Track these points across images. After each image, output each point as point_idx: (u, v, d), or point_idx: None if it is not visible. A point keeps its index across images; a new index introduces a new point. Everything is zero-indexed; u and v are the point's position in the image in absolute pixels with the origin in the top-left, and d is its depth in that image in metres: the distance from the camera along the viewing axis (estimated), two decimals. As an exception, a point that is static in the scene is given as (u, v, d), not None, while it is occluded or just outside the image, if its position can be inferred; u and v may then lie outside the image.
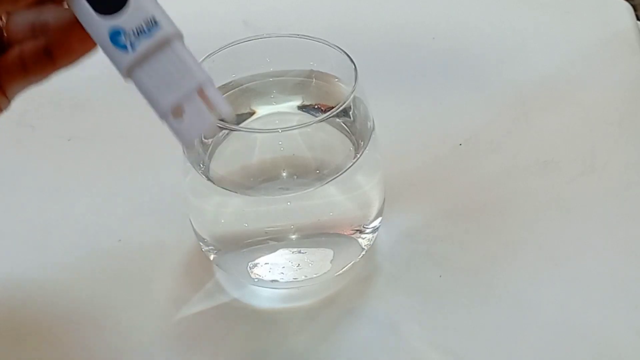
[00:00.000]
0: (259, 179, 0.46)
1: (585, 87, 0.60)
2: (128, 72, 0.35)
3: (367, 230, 0.47)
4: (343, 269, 0.47)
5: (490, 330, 0.46)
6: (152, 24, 0.35)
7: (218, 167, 0.46)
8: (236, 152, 0.46)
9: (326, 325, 0.46)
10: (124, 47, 0.35)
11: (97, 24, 0.35)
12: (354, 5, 0.70)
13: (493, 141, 0.57)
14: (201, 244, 0.48)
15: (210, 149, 0.46)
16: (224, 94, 0.47)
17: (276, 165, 0.46)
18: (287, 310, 0.47)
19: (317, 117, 0.43)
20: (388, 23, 0.67)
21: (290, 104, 0.49)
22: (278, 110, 0.49)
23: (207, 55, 0.45)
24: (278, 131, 0.42)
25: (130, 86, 0.64)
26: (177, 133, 0.35)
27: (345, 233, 0.47)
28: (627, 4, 0.67)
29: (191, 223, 0.47)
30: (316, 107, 0.48)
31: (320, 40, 0.45)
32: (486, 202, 0.53)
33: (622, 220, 0.51)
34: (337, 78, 0.47)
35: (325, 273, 0.47)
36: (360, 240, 0.47)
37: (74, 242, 0.51)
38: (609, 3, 0.68)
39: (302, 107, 0.48)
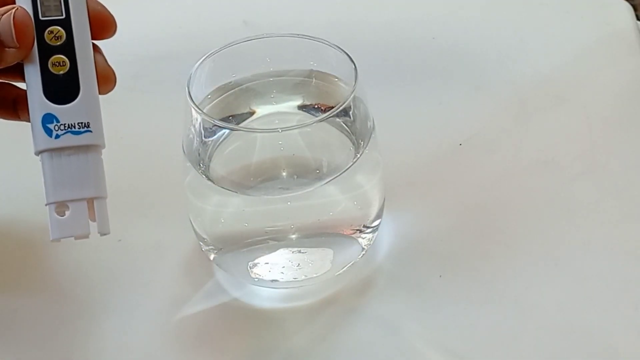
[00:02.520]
0: (259, 179, 0.46)
1: (585, 87, 0.60)
2: (39, 153, 0.38)
3: (367, 230, 0.47)
4: (343, 269, 0.47)
5: (490, 330, 0.46)
6: (85, 126, 0.38)
7: (218, 166, 0.46)
8: (236, 152, 0.46)
9: (326, 325, 0.46)
10: (49, 133, 0.38)
11: (39, 101, 0.38)
12: (354, 5, 0.70)
13: (493, 141, 0.57)
14: (201, 243, 0.48)
15: (210, 148, 0.46)
16: (224, 94, 0.47)
17: (276, 165, 0.46)
18: (287, 310, 0.47)
19: (317, 117, 0.43)
20: (388, 23, 0.67)
21: (290, 104, 0.49)
22: (278, 110, 0.49)
23: (207, 55, 0.45)
24: (278, 131, 0.42)
25: (132, 87, 0.65)
26: (51, 225, 0.38)
27: (345, 233, 0.47)
28: (627, 4, 0.67)
29: (191, 223, 0.47)
30: (316, 107, 0.48)
31: (320, 40, 0.45)
32: (486, 202, 0.52)
33: (622, 220, 0.51)
34: (337, 78, 0.47)
35: (325, 273, 0.47)
36: (360, 240, 0.47)
37: (74, 242, 0.51)
38: (609, 3, 0.68)
39: (302, 107, 0.48)
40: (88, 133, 0.38)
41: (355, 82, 0.43)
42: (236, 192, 0.45)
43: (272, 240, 0.45)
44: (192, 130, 0.44)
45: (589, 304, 0.47)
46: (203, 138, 0.45)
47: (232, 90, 0.48)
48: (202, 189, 0.46)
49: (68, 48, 0.38)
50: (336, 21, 0.67)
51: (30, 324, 0.47)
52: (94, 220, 0.38)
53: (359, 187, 0.46)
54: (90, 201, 0.38)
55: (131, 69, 0.64)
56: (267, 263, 0.46)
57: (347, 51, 0.45)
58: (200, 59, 0.45)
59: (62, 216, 0.38)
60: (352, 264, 0.48)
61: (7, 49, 0.38)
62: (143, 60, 0.65)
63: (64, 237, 0.38)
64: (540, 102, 0.59)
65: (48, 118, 0.38)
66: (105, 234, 0.39)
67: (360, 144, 0.45)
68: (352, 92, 0.43)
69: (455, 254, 0.50)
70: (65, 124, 0.38)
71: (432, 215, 0.52)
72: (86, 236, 0.38)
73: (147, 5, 0.70)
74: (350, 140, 0.46)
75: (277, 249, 0.46)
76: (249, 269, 0.46)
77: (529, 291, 0.47)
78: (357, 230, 0.47)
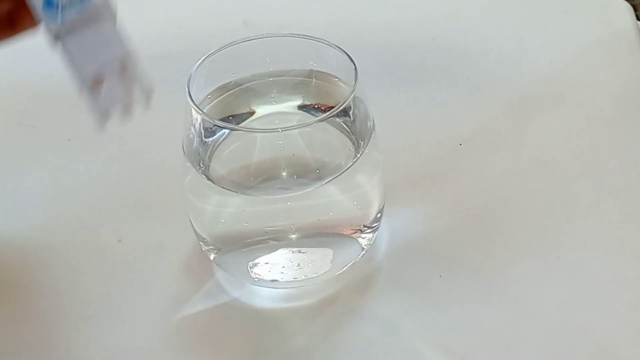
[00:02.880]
0: (259, 179, 0.46)
1: (585, 87, 0.60)
2: (55, 39, 0.36)
3: (367, 230, 0.47)
4: (343, 269, 0.47)
5: (490, 330, 0.46)
6: None
7: (218, 166, 0.46)
8: (236, 151, 0.46)
9: (326, 325, 0.46)
10: (55, 13, 0.36)
11: None
12: (354, 5, 0.70)
13: (493, 141, 0.57)
14: (201, 243, 0.48)
15: (210, 148, 0.46)
16: (224, 94, 0.47)
17: (276, 165, 0.46)
18: (287, 310, 0.47)
19: (317, 117, 0.43)
20: (388, 23, 0.67)
21: (290, 104, 0.49)
22: (278, 110, 0.49)
23: (207, 55, 0.45)
24: (278, 131, 0.42)
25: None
26: (92, 104, 0.37)
27: (345, 233, 0.47)
28: (627, 4, 0.67)
29: (191, 223, 0.47)
30: (316, 107, 0.48)
31: (320, 40, 0.45)
32: (486, 202, 0.52)
33: (622, 220, 0.51)
34: (337, 78, 0.47)
35: (325, 273, 0.47)
36: (360, 240, 0.47)
37: (74, 242, 0.51)
38: (609, 3, 0.68)
39: (302, 107, 0.48)
40: (88, 3, 0.37)
41: (355, 82, 0.43)
42: (236, 192, 0.45)
43: (272, 240, 0.45)
44: (192, 130, 0.44)
45: (589, 304, 0.47)
46: (203, 138, 0.45)
47: (232, 90, 0.48)
48: (202, 189, 0.46)
49: None
50: (336, 21, 0.67)
51: (30, 324, 0.47)
52: (130, 84, 0.37)
53: (359, 187, 0.46)
54: (121, 67, 0.37)
55: (131, 69, 0.64)
56: (267, 263, 0.46)
57: (347, 51, 0.45)
58: (200, 59, 0.45)
59: (99, 93, 0.37)
60: (352, 264, 0.48)
61: None
62: (143, 60, 0.65)
63: (107, 111, 0.37)
64: (540, 102, 0.59)
65: (48, 3, 0.36)
66: (149, 93, 0.37)
67: (360, 144, 0.45)
68: (352, 92, 0.43)
69: (455, 254, 0.50)
70: (67, 1, 0.36)
71: (432, 215, 0.52)
72: (130, 104, 0.37)
73: (147, 5, 0.70)
74: (350, 140, 0.46)
75: (277, 249, 0.46)
76: (249, 269, 0.46)
77: (529, 291, 0.47)
78: (357, 230, 0.47)
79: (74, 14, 0.36)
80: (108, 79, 0.37)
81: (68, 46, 0.37)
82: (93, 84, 0.37)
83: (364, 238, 0.47)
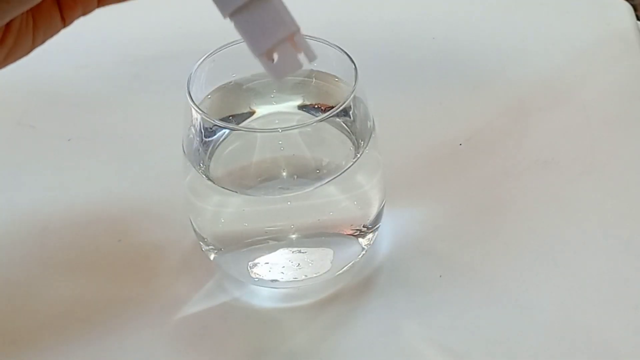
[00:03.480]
0: (259, 179, 0.46)
1: (585, 87, 0.60)
2: (230, 16, 0.39)
3: (367, 230, 0.47)
4: (343, 269, 0.47)
5: (490, 330, 0.46)
6: None
7: (218, 166, 0.46)
8: (236, 151, 0.46)
9: (326, 325, 0.46)
10: None
11: None
12: (354, 5, 0.70)
13: (493, 141, 0.57)
14: (201, 243, 0.48)
15: (210, 148, 0.46)
16: (224, 93, 0.47)
17: (276, 164, 0.46)
18: (287, 310, 0.47)
19: (317, 116, 0.43)
20: (388, 23, 0.67)
21: (290, 104, 0.49)
22: (278, 110, 0.49)
23: (207, 55, 0.45)
24: (278, 131, 0.42)
25: (132, 87, 0.65)
26: (269, 71, 0.40)
27: (345, 233, 0.47)
28: (627, 4, 0.67)
29: (191, 223, 0.47)
30: (316, 106, 0.48)
31: (320, 40, 0.45)
32: (486, 202, 0.53)
33: (622, 220, 0.51)
34: (337, 78, 0.47)
35: (325, 273, 0.47)
36: (360, 240, 0.47)
37: (74, 242, 0.51)
38: (609, 3, 0.68)
39: (302, 107, 0.48)
40: None
41: (355, 82, 0.43)
42: (236, 192, 0.45)
43: (272, 240, 0.45)
44: (192, 130, 0.44)
45: (589, 304, 0.47)
46: (203, 138, 0.45)
47: (232, 90, 0.48)
48: (202, 188, 0.46)
49: None
50: (336, 21, 0.67)
51: (30, 324, 0.47)
52: (300, 52, 0.39)
53: (359, 187, 0.46)
54: (290, 38, 0.39)
55: (131, 69, 0.64)
56: (267, 263, 0.46)
57: (347, 51, 0.45)
58: (200, 59, 0.45)
59: (274, 61, 0.39)
60: (352, 264, 0.48)
61: None
62: (143, 60, 0.65)
63: (283, 77, 0.40)
64: (540, 102, 0.59)
65: None
66: (313, 60, 0.40)
67: (360, 143, 0.45)
68: (352, 92, 0.43)
69: (455, 254, 0.50)
70: None
71: (432, 215, 0.52)
72: (300, 67, 0.40)
73: (147, 5, 0.70)
74: (350, 140, 0.46)
75: (277, 249, 0.46)
76: (249, 268, 0.46)
77: (529, 291, 0.47)
78: (357, 230, 0.47)
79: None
80: (280, 51, 0.39)
81: (241, 23, 0.39)
82: (267, 56, 0.39)
83: (364, 238, 0.47)
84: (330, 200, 0.45)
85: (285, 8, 0.39)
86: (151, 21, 0.69)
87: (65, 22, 0.42)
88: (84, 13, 0.42)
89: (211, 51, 0.45)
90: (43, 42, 0.42)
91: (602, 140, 0.56)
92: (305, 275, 0.46)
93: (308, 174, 0.46)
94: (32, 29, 0.41)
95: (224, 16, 0.39)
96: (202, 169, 0.45)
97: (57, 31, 0.42)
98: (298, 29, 0.39)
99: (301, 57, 0.39)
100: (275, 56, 0.39)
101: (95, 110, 0.61)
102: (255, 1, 0.38)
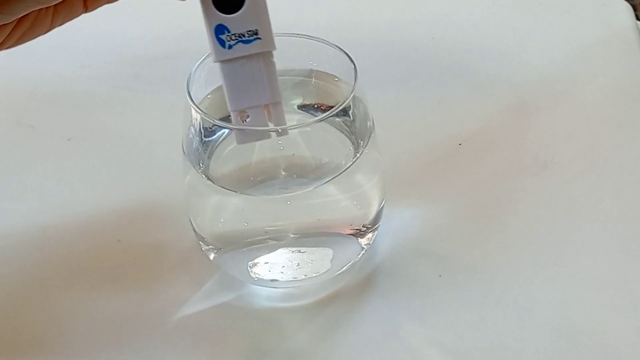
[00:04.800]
0: (258, 178, 0.46)
1: (585, 86, 0.60)
2: (221, 62, 0.40)
3: (367, 230, 0.47)
4: (343, 269, 0.47)
5: (490, 330, 0.46)
6: (254, 34, 0.39)
7: (218, 166, 0.46)
8: (236, 151, 0.46)
9: (326, 325, 0.46)
10: (222, 44, 0.39)
11: (211, 13, 0.39)
12: (354, 4, 0.70)
13: (493, 141, 0.57)
14: (201, 243, 0.48)
15: (210, 148, 0.46)
16: (223, 93, 0.47)
17: (276, 164, 0.46)
18: (287, 310, 0.47)
19: (317, 116, 0.43)
20: (388, 23, 0.67)
21: (290, 104, 0.49)
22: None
23: (207, 55, 0.45)
24: (278, 130, 0.42)
25: (132, 87, 0.65)
26: (236, 132, 0.41)
27: (345, 232, 0.47)
28: (627, 4, 0.67)
29: (191, 222, 0.47)
30: (316, 106, 0.48)
31: (320, 40, 0.45)
32: (486, 202, 0.53)
33: (622, 220, 0.51)
34: (336, 78, 0.47)
35: (325, 272, 0.47)
36: (360, 239, 0.47)
37: (74, 242, 0.51)
38: (609, 3, 0.68)
39: (301, 107, 0.48)
40: (257, 40, 0.39)
41: (355, 81, 0.43)
42: (236, 192, 0.45)
43: (271, 239, 0.45)
44: (192, 130, 0.44)
45: (589, 304, 0.47)
46: (203, 137, 0.45)
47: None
48: (202, 188, 0.46)
49: None
50: (336, 21, 0.67)
51: (30, 324, 0.47)
52: (272, 122, 0.40)
53: (358, 186, 0.46)
54: (266, 106, 0.40)
55: (131, 69, 0.64)
56: (267, 263, 0.46)
57: (346, 51, 0.45)
58: (200, 59, 0.45)
59: (244, 121, 0.40)
60: (352, 263, 0.48)
61: None
62: (143, 60, 0.65)
63: (247, 142, 0.41)
64: (540, 102, 0.59)
65: (220, 29, 0.39)
66: (284, 135, 0.41)
67: (360, 143, 0.45)
68: (352, 92, 0.43)
69: (455, 254, 0.50)
70: (235, 34, 0.39)
71: (432, 215, 0.52)
72: (267, 138, 0.41)
73: (147, 5, 0.70)
74: (350, 140, 0.46)
75: (277, 249, 0.46)
76: (248, 268, 0.46)
77: (528, 291, 0.47)
78: (357, 230, 0.47)
79: (240, 45, 0.39)
80: (253, 115, 0.40)
81: (226, 73, 0.40)
82: (239, 114, 0.40)
83: (363, 238, 0.47)
84: (329, 200, 0.45)
85: (275, 76, 0.40)
86: (151, 21, 0.69)
87: (87, 8, 0.42)
88: (109, 1, 0.42)
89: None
90: (62, 24, 0.42)
91: (602, 140, 0.56)
92: (305, 275, 0.46)
93: (308, 173, 0.46)
94: (52, 12, 0.41)
95: (215, 60, 0.39)
96: (202, 168, 0.45)
97: (77, 15, 0.42)
98: (280, 101, 0.39)
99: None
100: (248, 118, 0.40)
101: (95, 110, 0.61)
102: (252, 58, 0.39)
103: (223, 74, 0.40)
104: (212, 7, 0.39)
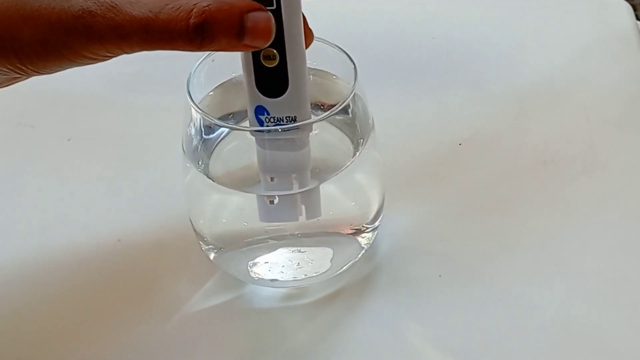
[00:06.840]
0: (258, 178, 0.46)
1: (585, 87, 0.60)
2: (256, 142, 0.41)
3: (367, 230, 0.47)
4: (343, 268, 0.47)
5: (490, 330, 0.46)
6: (292, 120, 0.40)
7: (218, 165, 0.46)
8: (236, 150, 0.46)
9: (326, 325, 0.46)
10: (260, 123, 0.40)
11: (254, 94, 0.40)
12: (354, 4, 0.70)
13: (493, 141, 0.57)
14: (201, 243, 0.48)
15: (210, 147, 0.46)
16: (223, 92, 0.47)
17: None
18: (287, 309, 0.47)
19: (316, 115, 0.43)
20: (388, 23, 0.67)
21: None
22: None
23: (207, 55, 0.45)
24: (278, 130, 0.42)
25: (132, 87, 0.64)
26: (260, 209, 0.42)
27: (345, 232, 0.47)
28: (627, 4, 0.67)
29: (191, 222, 0.47)
30: (316, 105, 0.48)
31: (319, 40, 0.45)
32: (486, 202, 0.52)
33: (622, 220, 0.51)
34: (336, 77, 0.47)
35: (325, 272, 0.47)
36: (360, 239, 0.47)
37: (74, 242, 0.51)
38: (609, 3, 0.68)
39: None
40: (293, 126, 0.40)
41: (355, 80, 0.43)
42: (236, 191, 0.45)
43: (271, 239, 0.45)
44: (192, 129, 0.44)
45: (589, 304, 0.47)
46: (203, 136, 0.45)
47: (232, 89, 0.47)
48: (202, 187, 0.46)
49: (277, 41, 0.38)
50: (336, 21, 0.67)
51: (30, 324, 0.47)
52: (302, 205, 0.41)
53: (358, 186, 0.46)
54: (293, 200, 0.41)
55: (131, 69, 0.64)
56: (267, 262, 0.46)
57: (346, 50, 0.45)
58: (200, 58, 0.45)
59: (272, 204, 0.41)
60: (352, 263, 0.48)
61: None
62: (143, 60, 0.65)
63: (272, 222, 0.41)
64: (540, 102, 0.59)
65: (260, 110, 0.39)
66: (314, 218, 0.41)
67: (360, 142, 0.45)
68: (352, 91, 0.43)
69: (455, 254, 0.50)
70: (274, 117, 0.39)
71: (432, 215, 0.52)
72: (295, 220, 0.41)
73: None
74: (350, 139, 0.46)
75: (277, 248, 0.46)
76: (248, 268, 0.46)
77: (528, 291, 0.47)
78: (357, 229, 0.47)
79: (277, 127, 0.40)
80: (281, 201, 0.41)
81: (262, 153, 0.41)
82: (267, 198, 0.41)
83: (363, 237, 0.47)
84: (329, 200, 0.45)
85: (306, 161, 0.41)
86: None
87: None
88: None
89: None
90: None
91: (601, 140, 0.56)
92: (305, 275, 0.46)
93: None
94: None
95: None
96: (202, 167, 0.45)
97: None
98: (311, 187, 0.41)
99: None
100: (275, 203, 0.41)
101: (95, 110, 0.61)
102: (281, 141, 0.40)
103: (257, 149, 0.41)
104: (255, 88, 0.39)
